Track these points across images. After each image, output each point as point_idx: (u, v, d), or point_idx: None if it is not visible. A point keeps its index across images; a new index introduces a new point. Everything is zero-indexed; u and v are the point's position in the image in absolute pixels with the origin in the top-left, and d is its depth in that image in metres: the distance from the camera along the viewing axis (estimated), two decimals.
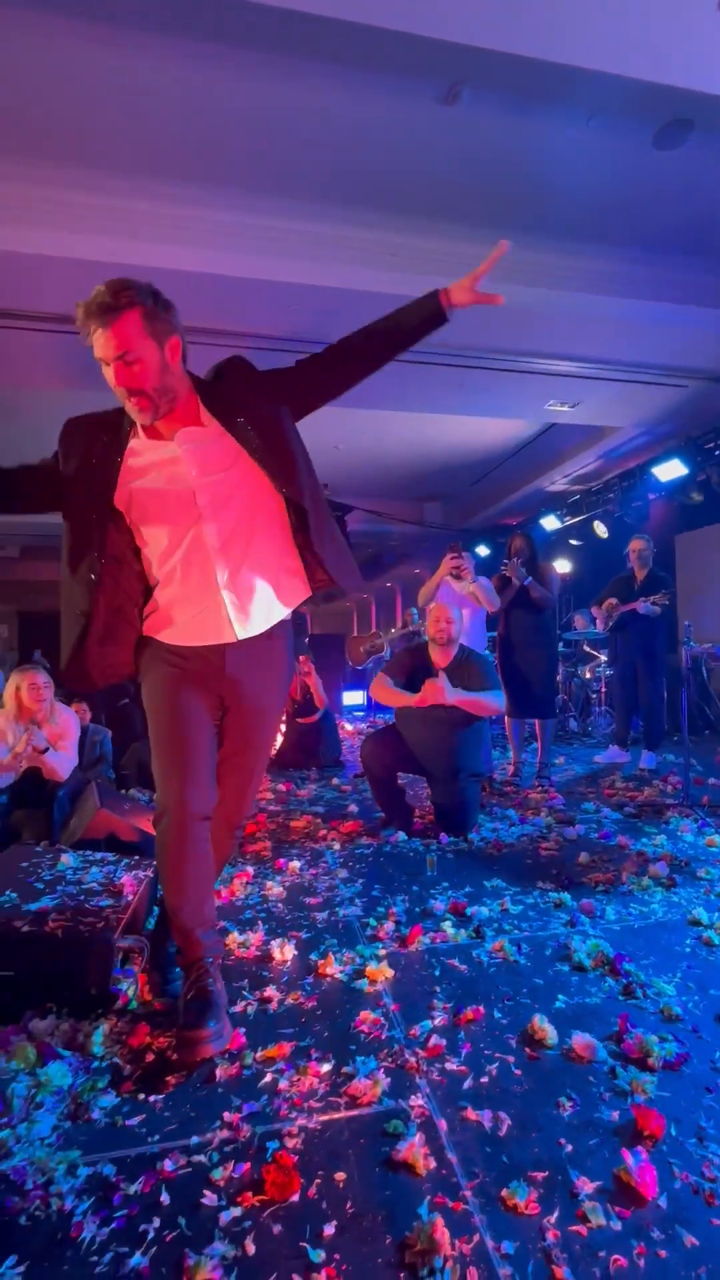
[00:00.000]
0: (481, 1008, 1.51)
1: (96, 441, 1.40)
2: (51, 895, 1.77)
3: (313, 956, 1.78)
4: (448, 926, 1.93)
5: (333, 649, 8.98)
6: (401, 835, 2.89)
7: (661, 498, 6.82)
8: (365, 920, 2.01)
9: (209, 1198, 1.01)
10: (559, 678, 5.78)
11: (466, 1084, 1.27)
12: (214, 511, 1.38)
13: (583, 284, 4.01)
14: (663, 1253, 0.92)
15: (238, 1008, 1.54)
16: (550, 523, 8.10)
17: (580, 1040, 1.35)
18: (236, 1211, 0.99)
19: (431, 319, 1.43)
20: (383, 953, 1.78)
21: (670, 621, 4.62)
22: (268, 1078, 1.29)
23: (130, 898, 1.80)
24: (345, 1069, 1.31)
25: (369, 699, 9.11)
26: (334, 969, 1.70)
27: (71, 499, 1.40)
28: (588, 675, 6.31)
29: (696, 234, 3.78)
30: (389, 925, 1.95)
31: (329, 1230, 0.96)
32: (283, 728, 5.16)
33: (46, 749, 2.83)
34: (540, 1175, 1.05)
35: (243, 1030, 1.44)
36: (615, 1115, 1.18)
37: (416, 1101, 1.22)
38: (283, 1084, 1.27)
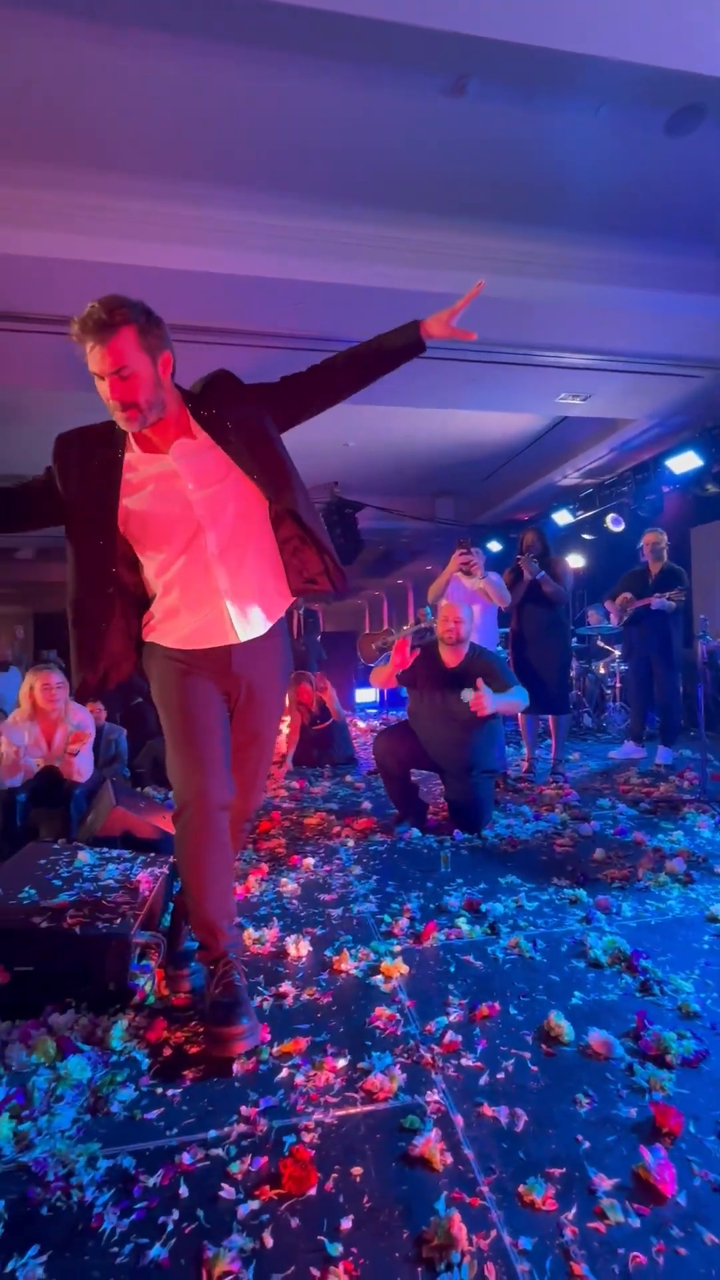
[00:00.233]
0: (497, 1004, 1.50)
1: (93, 458, 1.42)
2: (69, 892, 1.79)
3: (328, 953, 1.78)
4: (462, 923, 1.92)
5: (345, 646, 8.99)
6: (415, 832, 2.89)
7: (676, 490, 6.74)
8: (380, 917, 2.02)
9: (227, 1191, 1.02)
10: (573, 673, 5.73)
11: (483, 1080, 1.27)
12: (212, 521, 1.43)
13: (594, 275, 3.96)
14: (682, 1250, 0.91)
15: (254, 1003, 1.55)
16: (562, 517, 8.04)
17: (597, 1037, 1.35)
18: (254, 1205, 1.00)
19: (411, 346, 1.51)
20: (397, 949, 1.78)
21: (686, 615, 4.57)
22: (284, 1073, 1.30)
23: (146, 894, 1.82)
24: (361, 1064, 1.31)
25: (380, 697, 9.12)
26: (349, 965, 1.71)
27: (75, 518, 1.43)
28: (602, 670, 6.26)
29: (710, 221, 3.72)
30: (403, 922, 1.95)
31: (346, 1224, 0.96)
32: (285, 728, 5.20)
33: (77, 752, 2.86)
34: (557, 1171, 1.05)
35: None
36: (633, 1112, 1.17)
37: (432, 1097, 1.22)
38: (299, 1079, 1.28)
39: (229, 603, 1.45)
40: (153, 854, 2.20)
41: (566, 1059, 1.33)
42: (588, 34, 2.47)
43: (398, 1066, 1.30)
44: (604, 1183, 1.02)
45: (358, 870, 2.47)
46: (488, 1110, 1.18)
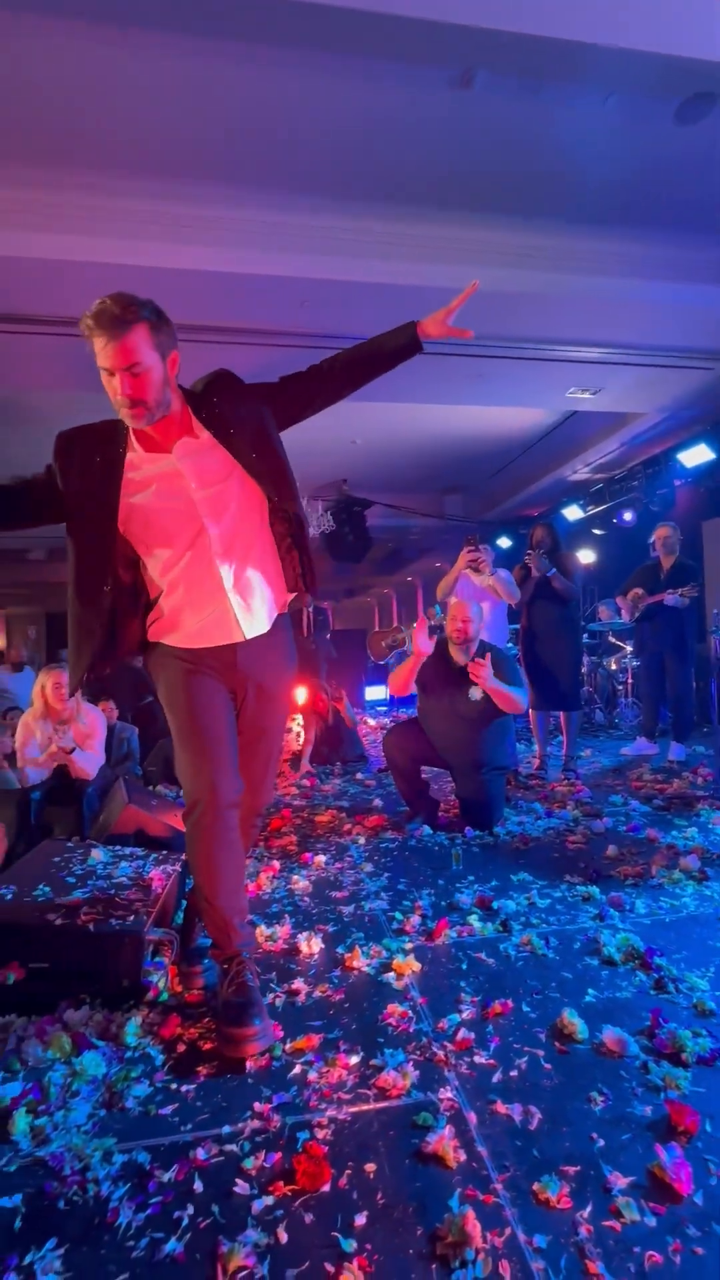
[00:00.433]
0: (510, 1001, 1.50)
1: (95, 456, 1.42)
2: (83, 889, 1.81)
3: (339, 950, 1.78)
4: (474, 920, 1.92)
5: (354, 644, 8.99)
6: (426, 829, 2.88)
7: (688, 484, 6.67)
8: (391, 914, 2.02)
9: (241, 1186, 1.03)
10: (584, 669, 5.70)
11: (496, 1077, 1.26)
12: (215, 519, 1.44)
13: (604, 267, 3.92)
14: (699, 1250, 0.90)
15: (266, 1000, 1.55)
16: (573, 512, 7.99)
17: (611, 1035, 1.34)
18: (268, 1200, 1.00)
19: (408, 346, 1.55)
20: (409, 946, 1.78)
21: (698, 610, 4.52)
22: (297, 1069, 1.30)
23: (159, 891, 1.83)
24: (374, 1061, 1.31)
25: (391, 695, 9.11)
26: (361, 962, 1.71)
27: (76, 517, 1.43)
28: (613, 666, 6.22)
29: None
30: (415, 919, 1.95)
31: (360, 1220, 0.96)
32: (296, 726, 5.20)
33: (74, 749, 2.89)
34: (572, 1170, 1.04)
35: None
36: (648, 1110, 1.16)
37: (445, 1094, 1.22)
38: (312, 1075, 1.28)
39: (233, 600, 1.46)
40: (165, 852, 2.21)
41: (580, 1057, 1.32)
42: (596, 23, 2.44)
43: (410, 1063, 1.30)
44: (619, 1181, 1.01)
45: (369, 868, 2.47)
46: (501, 1108, 1.17)
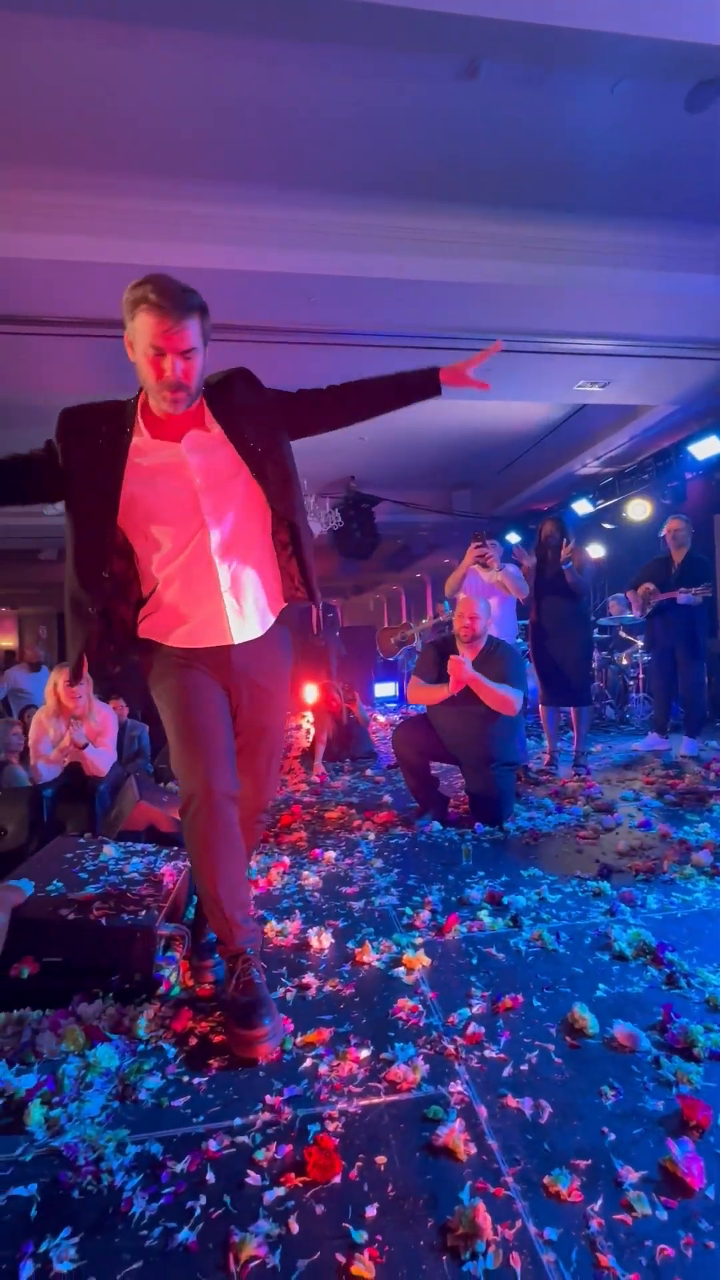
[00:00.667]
0: (520, 996, 1.49)
1: (100, 437, 1.39)
2: (95, 885, 1.83)
3: (350, 945, 1.79)
4: (484, 915, 1.92)
5: (363, 641, 8.99)
6: (436, 825, 2.88)
7: (699, 476, 6.60)
8: (401, 909, 2.02)
9: (253, 1177, 1.03)
10: (594, 665, 5.66)
11: (506, 1071, 1.26)
12: (217, 519, 1.42)
13: (612, 258, 3.89)
14: (711, 1244, 0.90)
15: (277, 994, 1.56)
16: (582, 507, 7.93)
17: (622, 1030, 1.33)
18: (280, 1191, 1.01)
19: (427, 387, 1.58)
20: (419, 941, 1.78)
21: (710, 604, 4.48)
22: (308, 1062, 1.31)
23: (170, 886, 1.84)
24: (384, 1055, 1.32)
25: (401, 693, 9.10)
26: (371, 957, 1.71)
27: (77, 497, 1.40)
28: (624, 661, 6.18)
29: None
30: (425, 914, 1.96)
31: (371, 1212, 0.97)
32: (307, 724, 5.21)
33: (86, 745, 2.91)
34: (583, 1163, 1.04)
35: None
36: (660, 1105, 1.16)
37: (456, 1088, 1.22)
38: (323, 1069, 1.29)
39: (227, 602, 1.44)
40: (176, 847, 2.23)
41: (591, 1051, 1.32)
42: (602, 9, 2.42)
43: (420, 1057, 1.30)
44: (630, 1175, 1.01)
45: (379, 863, 2.47)
46: (511, 1101, 1.18)
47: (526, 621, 4.16)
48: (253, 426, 1.44)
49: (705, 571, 4.22)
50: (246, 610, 1.47)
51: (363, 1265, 0.88)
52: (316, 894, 2.20)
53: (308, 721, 5.31)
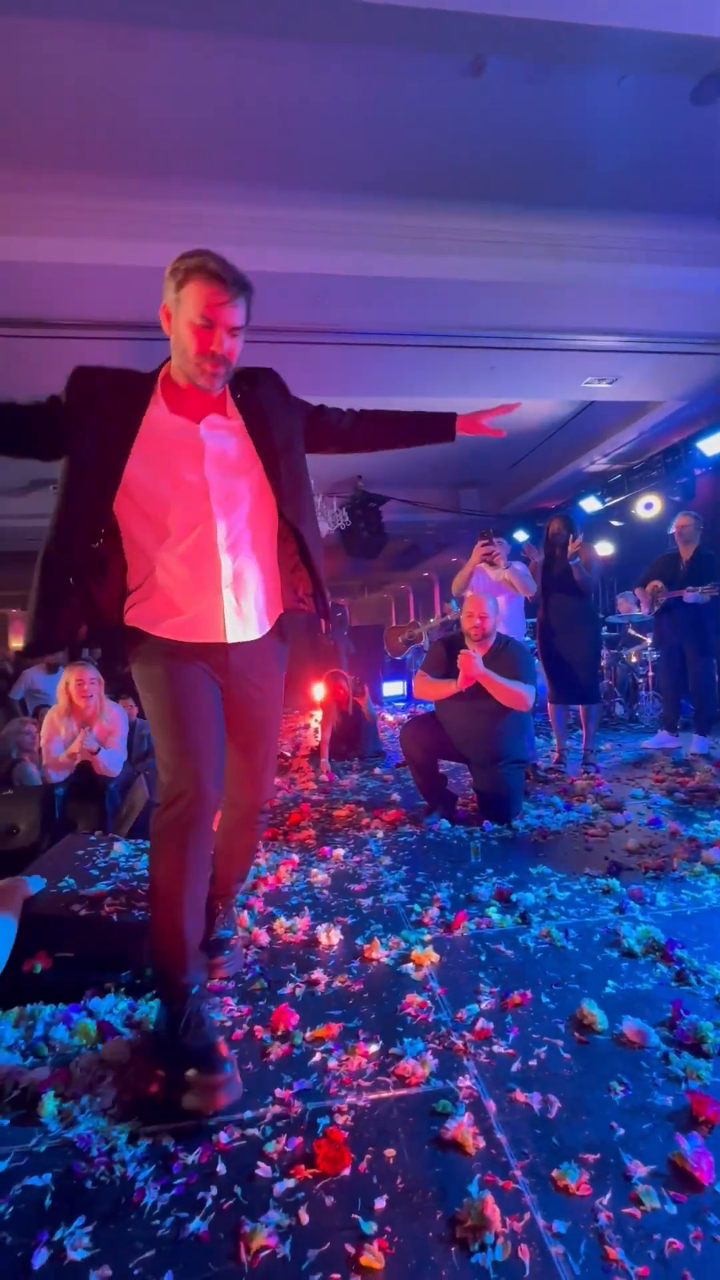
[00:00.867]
0: (529, 992, 1.50)
1: (117, 401, 1.32)
2: (106, 881, 1.85)
3: (359, 941, 1.80)
4: (493, 912, 1.92)
5: (371, 640, 8.99)
6: (444, 823, 2.88)
7: (708, 472, 6.55)
8: (410, 906, 2.03)
9: (263, 1169, 1.04)
10: (603, 662, 5.64)
11: (515, 1066, 1.27)
12: (225, 510, 1.36)
13: (619, 253, 3.87)
14: None
15: (286, 990, 1.58)
16: (590, 504, 7.89)
17: (631, 1026, 1.33)
18: (290, 1183, 1.02)
19: (442, 432, 1.62)
20: (428, 938, 1.79)
21: (718, 602, 4.45)
22: (317, 1057, 1.32)
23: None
24: (393, 1050, 1.32)
25: (409, 692, 9.10)
26: (380, 953, 1.72)
27: (78, 460, 1.31)
28: (633, 659, 6.14)
29: None
30: (433, 911, 1.96)
31: (380, 1204, 0.97)
32: (314, 723, 5.20)
33: (98, 749, 2.93)
34: (592, 1157, 1.04)
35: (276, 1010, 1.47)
36: (669, 1100, 1.16)
37: (465, 1082, 1.23)
38: (332, 1063, 1.30)
39: (227, 599, 1.37)
40: None
41: (600, 1047, 1.32)
42: (606, 4, 2.41)
43: (429, 1052, 1.31)
44: (639, 1169, 1.01)
45: (387, 861, 2.48)
46: (520, 1096, 1.18)
47: (535, 619, 4.15)
48: (273, 426, 1.40)
49: (713, 568, 4.19)
50: (245, 610, 1.40)
51: (372, 1256, 0.89)
52: (325, 891, 2.21)
53: (315, 721, 5.31)
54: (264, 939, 1.83)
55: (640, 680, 6.09)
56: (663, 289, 4.01)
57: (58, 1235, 0.94)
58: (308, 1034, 1.39)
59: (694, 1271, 0.86)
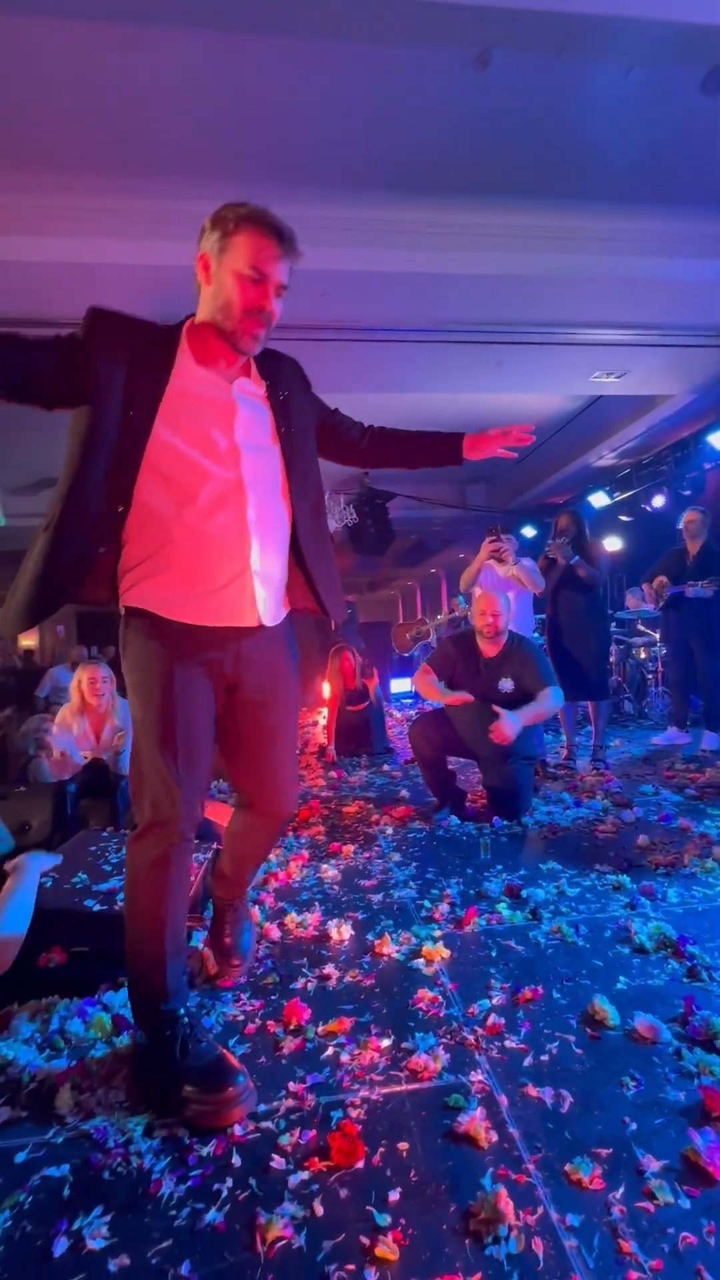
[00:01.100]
0: (540, 988, 1.50)
1: (145, 347, 1.19)
2: (119, 877, 1.86)
3: (369, 937, 1.81)
4: (503, 908, 1.92)
5: (379, 637, 8.99)
6: (454, 819, 2.89)
7: (718, 467, 6.50)
8: (420, 902, 2.03)
9: (277, 1162, 1.05)
10: (612, 659, 5.61)
11: (526, 1061, 1.27)
12: (254, 484, 1.24)
13: (628, 246, 3.84)
14: None
15: (298, 984, 1.59)
16: (599, 499, 7.85)
17: (643, 1021, 1.33)
18: (304, 1175, 1.03)
19: (453, 456, 1.54)
20: (438, 933, 1.80)
21: None
22: (329, 1051, 1.33)
23: (191, 879, 1.87)
24: (405, 1044, 1.33)
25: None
26: (390, 949, 1.73)
27: (105, 410, 1.15)
28: (642, 655, 6.12)
29: None
30: (444, 907, 1.96)
31: (394, 1196, 0.98)
32: (322, 720, 5.19)
33: (120, 750, 2.95)
34: (604, 1152, 1.04)
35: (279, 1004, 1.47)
36: (681, 1096, 1.16)
37: (476, 1077, 1.23)
38: (344, 1057, 1.31)
39: (257, 576, 1.24)
40: (199, 840, 2.26)
41: (612, 1042, 1.32)
42: None
43: (441, 1047, 1.31)
44: (652, 1164, 1.01)
45: (397, 857, 2.49)
46: (532, 1091, 1.18)
47: (544, 616, 4.13)
48: (294, 408, 1.33)
49: (718, 563, 4.16)
50: (271, 593, 1.28)
51: (387, 1247, 0.89)
52: (335, 887, 2.22)
53: (323, 718, 5.32)
54: (275, 934, 1.84)
55: (649, 676, 6.06)
56: (672, 281, 3.97)
57: (76, 1225, 0.96)
58: (320, 1028, 1.40)
59: (708, 1265, 0.86)
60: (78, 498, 1.16)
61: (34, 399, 1.17)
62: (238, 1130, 1.12)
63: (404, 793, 3.52)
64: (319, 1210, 0.96)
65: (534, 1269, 0.87)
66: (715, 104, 2.99)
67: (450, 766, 3.09)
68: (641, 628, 6.29)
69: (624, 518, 7.71)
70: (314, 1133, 1.11)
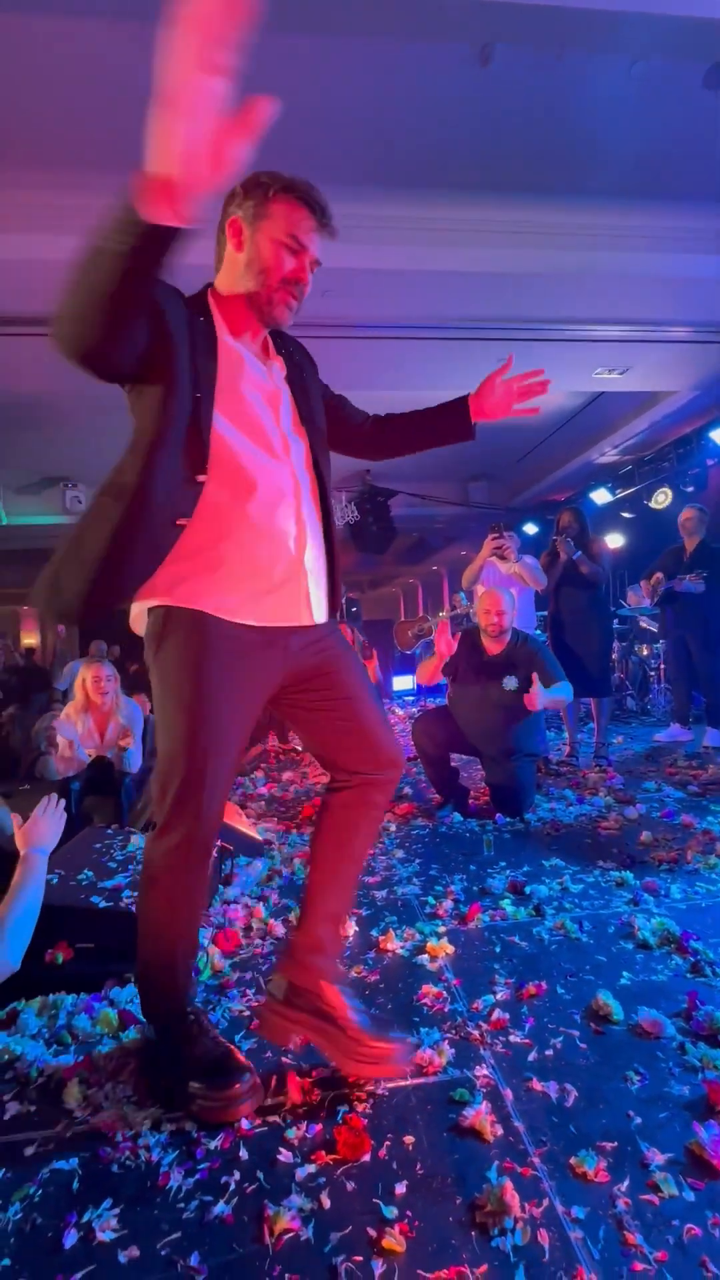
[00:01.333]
0: (544, 983, 1.51)
1: (193, 321, 1.09)
2: (124, 874, 1.87)
3: (374, 933, 1.81)
4: (507, 905, 1.93)
5: (381, 634, 9.00)
6: (457, 816, 2.89)
7: None
8: (424, 899, 2.04)
9: (284, 1155, 1.06)
10: (614, 655, 5.62)
11: (531, 1056, 1.28)
12: (303, 478, 1.19)
13: (631, 243, 3.83)
14: None
15: None
16: (601, 496, 7.85)
17: (647, 1017, 1.34)
18: (311, 1168, 1.03)
19: (463, 431, 1.46)
20: (442, 930, 1.80)
21: None
22: None
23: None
24: (410, 1039, 1.34)
25: (418, 685, 9.11)
26: (395, 945, 1.73)
27: (179, 380, 1.04)
28: (645, 652, 6.12)
29: None
30: (447, 903, 1.97)
31: (400, 1189, 0.99)
32: None
33: (126, 748, 2.95)
34: (609, 1146, 1.05)
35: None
36: (685, 1090, 1.16)
37: (481, 1072, 1.24)
38: None
39: (310, 577, 1.18)
40: None
41: (616, 1037, 1.33)
42: None
43: (446, 1042, 1.32)
44: (657, 1157, 1.02)
45: (400, 854, 2.49)
46: (537, 1085, 1.19)
47: (546, 612, 4.14)
48: (311, 391, 1.27)
49: (714, 559, 4.16)
50: (320, 594, 1.21)
51: (394, 1239, 0.90)
52: None
53: None
54: (280, 930, 1.85)
55: (652, 673, 6.06)
56: (675, 277, 3.97)
57: (86, 1217, 0.97)
58: None
59: (713, 1257, 0.87)
60: (161, 478, 1.03)
61: (119, 360, 0.99)
62: (245, 1124, 1.13)
63: (407, 790, 3.53)
64: (326, 1203, 0.97)
65: (540, 1260, 0.88)
66: (718, 99, 2.99)
67: (453, 764, 3.09)
68: (645, 625, 6.29)
69: (626, 515, 7.71)
70: (320, 1127, 1.12)
